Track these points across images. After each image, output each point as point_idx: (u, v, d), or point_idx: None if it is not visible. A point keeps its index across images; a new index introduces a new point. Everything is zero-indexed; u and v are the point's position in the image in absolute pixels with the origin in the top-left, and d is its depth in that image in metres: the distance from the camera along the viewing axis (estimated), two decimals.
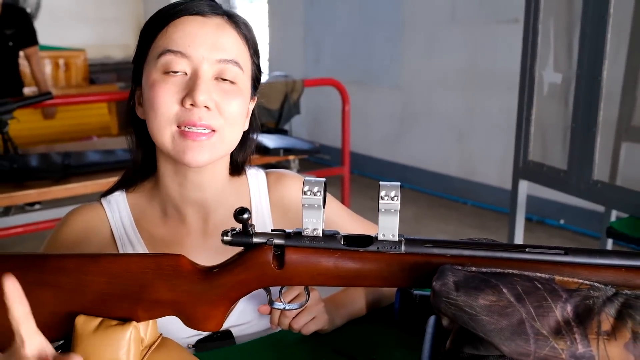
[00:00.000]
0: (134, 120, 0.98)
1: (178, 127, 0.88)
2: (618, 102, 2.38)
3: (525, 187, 2.29)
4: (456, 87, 4.59)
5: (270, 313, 0.94)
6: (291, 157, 3.15)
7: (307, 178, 0.69)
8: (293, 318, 0.93)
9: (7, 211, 3.40)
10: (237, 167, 1.03)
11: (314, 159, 5.55)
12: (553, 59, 2.15)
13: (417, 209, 4.48)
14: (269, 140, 3.06)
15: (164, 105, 0.87)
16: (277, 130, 3.56)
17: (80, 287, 0.73)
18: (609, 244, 2.43)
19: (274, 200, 1.05)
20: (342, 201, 3.75)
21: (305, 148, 3.22)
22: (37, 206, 3.84)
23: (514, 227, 2.31)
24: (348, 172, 3.74)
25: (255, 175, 1.07)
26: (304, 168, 3.46)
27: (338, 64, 5.60)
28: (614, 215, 2.58)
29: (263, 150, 2.94)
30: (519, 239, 2.40)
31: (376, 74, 5.25)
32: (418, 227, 4.11)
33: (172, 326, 0.74)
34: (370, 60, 5.28)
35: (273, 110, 3.80)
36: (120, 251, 0.97)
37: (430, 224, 4.20)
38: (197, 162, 0.89)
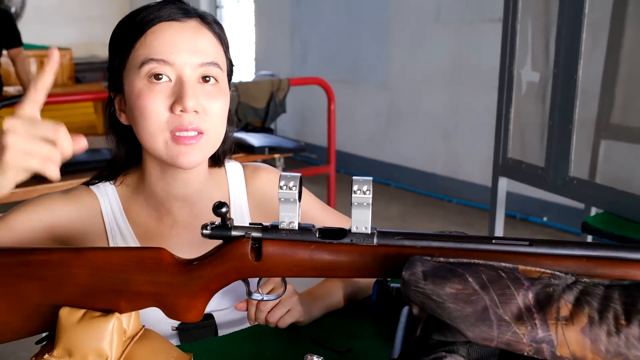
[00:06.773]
0: (115, 125, 1.01)
1: (171, 133, 0.91)
2: (597, 100, 2.42)
3: (505, 184, 2.33)
4: (442, 85, 4.62)
5: (247, 308, 0.96)
6: (276, 156, 3.18)
7: (283, 173, 0.72)
8: (268, 312, 0.95)
9: None
10: (217, 160, 1.08)
11: (300, 158, 5.57)
12: (531, 58, 2.20)
13: (403, 207, 4.51)
14: (254, 139, 3.09)
15: (155, 114, 0.91)
16: (262, 129, 3.58)
17: (64, 279, 0.75)
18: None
19: (250, 191, 1.11)
20: (328, 199, 3.78)
21: (290, 147, 3.25)
22: None
23: (494, 224, 2.35)
24: (334, 170, 3.76)
25: (233, 168, 1.12)
26: (290, 167, 3.48)
27: (325, 62, 5.62)
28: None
29: (248, 148, 2.96)
30: (499, 235, 2.44)
31: (363, 72, 5.28)
32: (404, 225, 4.13)
33: (157, 310, 0.77)
34: (356, 58, 5.31)
35: (259, 109, 3.82)
36: (110, 240, 1.00)
37: (416, 222, 4.22)
38: (190, 165, 0.94)
